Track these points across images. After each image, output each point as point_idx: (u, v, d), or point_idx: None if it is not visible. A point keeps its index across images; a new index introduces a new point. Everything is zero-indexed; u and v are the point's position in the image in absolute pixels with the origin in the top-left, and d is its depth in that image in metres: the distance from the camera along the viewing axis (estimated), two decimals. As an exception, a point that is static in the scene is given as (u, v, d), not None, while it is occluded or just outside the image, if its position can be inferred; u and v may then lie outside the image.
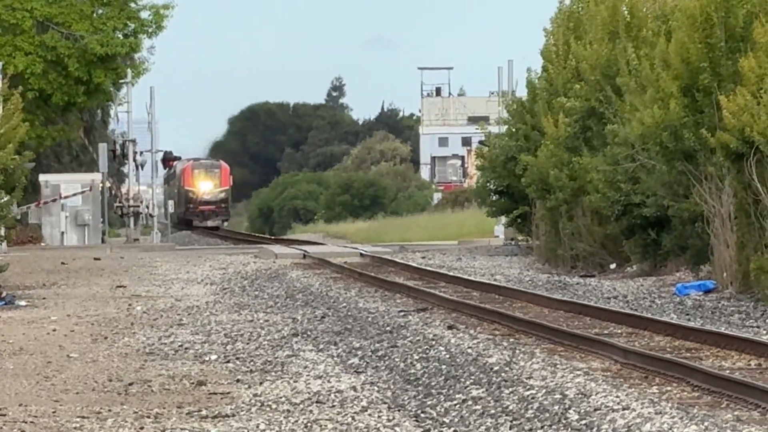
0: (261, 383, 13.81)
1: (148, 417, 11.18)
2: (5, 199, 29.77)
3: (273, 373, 14.85)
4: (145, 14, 54.64)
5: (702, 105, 24.99)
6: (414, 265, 36.46)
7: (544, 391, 11.70)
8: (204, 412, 11.53)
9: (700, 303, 22.99)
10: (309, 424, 10.73)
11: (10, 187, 29.78)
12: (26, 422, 10.88)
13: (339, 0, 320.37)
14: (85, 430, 10.64)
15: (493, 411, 10.79)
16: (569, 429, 9.74)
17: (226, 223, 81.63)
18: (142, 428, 10.61)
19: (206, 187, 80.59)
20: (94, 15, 53.64)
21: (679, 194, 27.04)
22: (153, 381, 14.18)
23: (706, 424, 8.69)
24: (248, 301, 26.89)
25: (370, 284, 29.76)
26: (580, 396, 11.13)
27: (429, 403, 11.84)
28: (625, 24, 33.29)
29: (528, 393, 11.69)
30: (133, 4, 54.61)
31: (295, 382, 13.90)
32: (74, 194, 54.11)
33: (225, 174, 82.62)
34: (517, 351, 15.24)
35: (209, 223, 77.45)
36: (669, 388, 11.75)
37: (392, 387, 13.29)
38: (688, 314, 20.81)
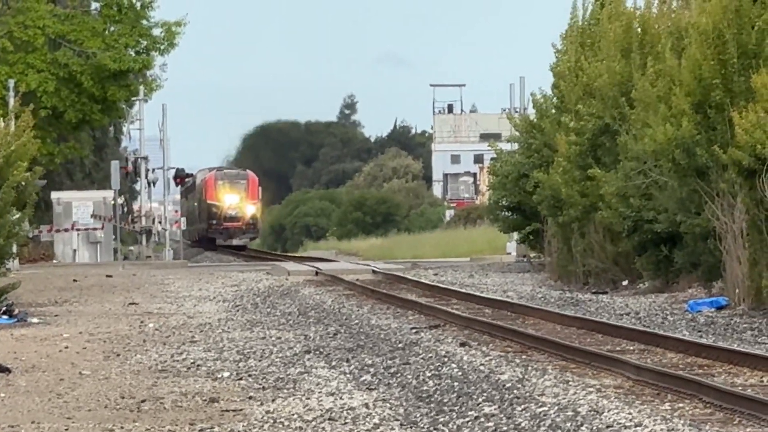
0: (273, 400, 13.90)
1: None
2: (17, 216, 29.79)
3: (285, 390, 14.93)
4: (156, 31, 54.79)
5: (714, 122, 25.26)
6: (426, 282, 36.87)
7: (556, 408, 11.77)
8: (216, 429, 11.65)
9: (713, 320, 23.22)
10: None
11: (21, 204, 29.78)
12: None
13: (351, 17, 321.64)
14: None
15: (505, 428, 10.87)
16: None
17: (248, 240, 72.82)
18: None
19: (232, 200, 69.78)
20: (106, 32, 54.02)
21: (691, 211, 27.32)
22: (165, 398, 14.29)
23: None
24: (261, 318, 27.20)
25: (382, 301, 30.07)
26: (592, 413, 11.24)
27: (441, 420, 11.87)
28: (638, 40, 33.31)
29: (540, 410, 11.75)
30: (144, 22, 54.88)
31: (307, 399, 13.98)
32: (88, 228, 54.54)
33: (253, 185, 72.11)
34: (530, 368, 15.40)
35: (235, 242, 68.69)
36: (681, 405, 11.84)
37: (404, 404, 13.36)
38: (700, 331, 21.05)
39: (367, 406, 13.24)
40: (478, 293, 31.84)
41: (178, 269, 50.67)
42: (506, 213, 46.93)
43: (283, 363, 17.85)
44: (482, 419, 11.46)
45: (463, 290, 32.85)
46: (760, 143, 21.79)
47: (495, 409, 12.11)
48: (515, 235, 48.52)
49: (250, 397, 14.24)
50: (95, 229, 54.34)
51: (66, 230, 53.90)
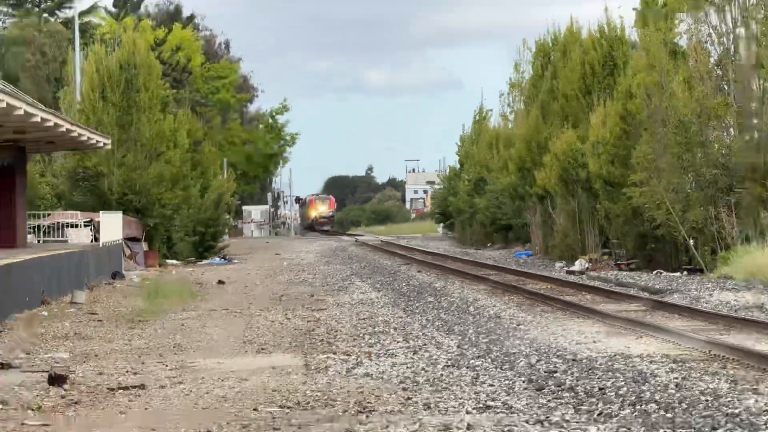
0: (337, 295, 27.13)
1: (289, 310, 23.05)
2: (229, 217, 61.75)
3: (342, 292, 28.20)
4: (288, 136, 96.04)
5: (527, 176, 46.12)
6: (402, 244, 62.96)
7: (458, 298, 25.06)
8: (313, 307, 23.65)
9: (526, 261, 45.15)
10: (357, 313, 21.83)
11: (231, 211, 62.72)
12: (235, 312, 22.93)
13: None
14: (261, 315, 21.80)
15: (437, 306, 23.37)
16: (468, 314, 21.22)
17: (329, 228, 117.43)
18: (286, 314, 21.88)
19: (322, 209, 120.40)
20: (267, 137, 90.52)
21: (518, 215, 52.54)
22: (291, 295, 27.42)
23: (529, 311, 21.47)
24: (332, 260, 47.59)
25: (384, 252, 53.23)
26: (474, 300, 24.48)
27: (410, 304, 24.24)
28: (494, 142, 58.16)
29: (451, 299, 25.00)
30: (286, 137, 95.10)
31: (351, 295, 27.00)
32: (258, 222, 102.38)
33: (332, 202, 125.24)
34: (447, 281, 30.44)
35: (323, 228, 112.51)
36: (513, 297, 25.17)
37: (394, 297, 26.26)
38: (521, 265, 41.08)
39: (378, 298, 25.89)
40: (425, 249, 54.97)
41: (296, 239, 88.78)
42: (437, 215, 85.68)
43: (342, 279, 33.41)
44: (428, 302, 24.44)
45: (418, 248, 55.67)
46: (545, 186, 41.94)
47: (433, 299, 25.10)
48: (441, 225, 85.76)
49: (327, 294, 27.56)
50: (261, 222, 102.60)
51: (248, 222, 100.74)
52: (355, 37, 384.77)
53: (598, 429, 9.79)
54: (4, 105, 21.34)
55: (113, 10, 76.55)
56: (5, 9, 71.24)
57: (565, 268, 35.90)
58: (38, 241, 34.04)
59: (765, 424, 9.74)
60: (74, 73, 44.13)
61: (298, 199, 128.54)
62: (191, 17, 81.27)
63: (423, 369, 14.03)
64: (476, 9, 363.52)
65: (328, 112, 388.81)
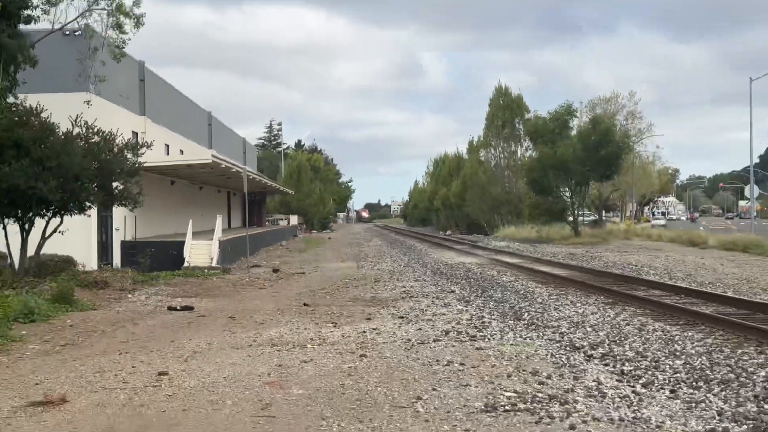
0: (367, 245, 63.64)
1: (353, 244, 64.15)
2: (332, 216, 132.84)
3: (368, 241, 70.61)
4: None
5: (432, 203, 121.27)
6: (391, 226, 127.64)
7: (408, 245, 64.96)
8: (361, 246, 60.81)
9: (431, 232, 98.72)
10: (374, 249, 55.01)
11: (332, 214, 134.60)
12: (333, 248, 57.50)
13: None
14: (343, 249, 55.48)
15: (401, 247, 52.30)
16: (410, 248, 57.00)
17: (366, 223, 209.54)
18: (351, 247, 58.51)
19: (363, 214, 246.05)
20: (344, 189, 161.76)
21: (428, 216, 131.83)
22: (353, 241, 72.14)
23: (431, 247, 53.20)
24: (366, 231, 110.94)
25: (384, 229, 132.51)
26: (412, 245, 62.76)
27: (392, 247, 52.05)
28: (421, 191, 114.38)
29: (406, 245, 61.29)
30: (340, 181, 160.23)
31: (370, 243, 67.15)
32: (342, 218, 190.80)
33: (367, 211, 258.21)
34: (406, 239, 79.38)
35: (364, 220, 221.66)
36: (425, 243, 65.77)
37: (388, 244, 55.01)
38: (428, 233, 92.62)
39: (381, 244, 64.73)
40: (397, 229, 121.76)
41: (356, 224, 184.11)
42: (402, 216, 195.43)
43: (368, 235, 67.99)
44: (399, 246, 50.03)
45: (395, 228, 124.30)
46: (437, 206, 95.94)
47: (399, 245, 51.85)
48: (403, 220, 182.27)
49: (365, 240, 72.77)
50: (343, 218, 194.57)
51: (335, 222, 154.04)
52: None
53: (453, 284, 28.19)
54: (266, 182, 57.95)
55: (293, 146, 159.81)
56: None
57: (443, 234, 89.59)
58: (268, 224, 78.02)
59: (509, 283, 28.31)
60: (281, 169, 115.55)
61: (356, 211, 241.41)
62: (317, 148, 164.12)
63: (396, 268, 34.80)
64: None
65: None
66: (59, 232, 26.28)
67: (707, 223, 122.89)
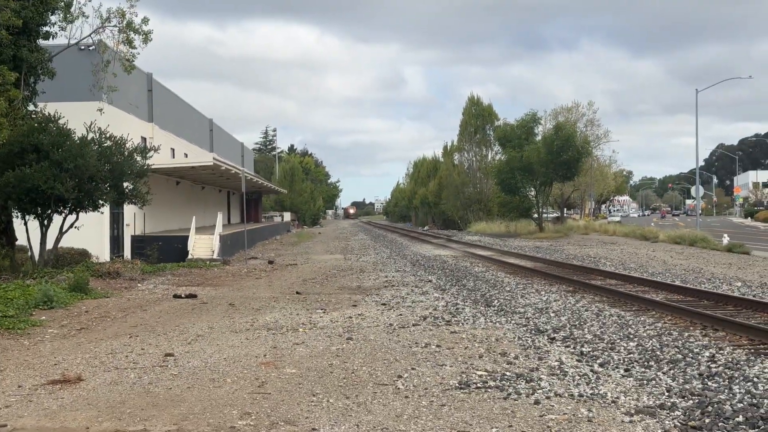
0: (352, 239, 62.82)
1: (339, 239, 63.04)
2: (321, 213, 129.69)
3: (354, 235, 69.29)
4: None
5: (411, 201, 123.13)
6: (373, 222, 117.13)
7: (390, 238, 51.10)
8: (348, 239, 62.04)
9: (410, 228, 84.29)
10: (358, 243, 54.71)
11: (322, 211, 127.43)
12: (323, 241, 58.97)
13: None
14: (331, 242, 57.13)
15: (383, 241, 48.61)
16: (392, 242, 48.27)
17: (353, 219, 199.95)
18: (338, 241, 59.11)
19: (350, 211, 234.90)
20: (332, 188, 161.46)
21: (408, 213, 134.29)
22: (340, 235, 69.07)
23: (410, 241, 55.73)
24: (352, 226, 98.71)
25: (368, 225, 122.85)
26: (393, 238, 63.09)
27: (376, 240, 48.83)
28: (401, 191, 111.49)
29: (387, 239, 51.93)
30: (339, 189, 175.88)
31: (356, 237, 58.82)
32: (330, 215, 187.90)
33: (354, 208, 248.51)
34: (387, 233, 66.52)
35: (351, 217, 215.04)
36: (405, 237, 64.76)
37: (372, 238, 50.58)
38: (409, 229, 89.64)
39: (366, 239, 58.33)
40: (379, 224, 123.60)
41: (343, 221, 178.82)
42: (384, 213, 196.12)
43: (353, 230, 63.06)
44: (382, 240, 46.31)
45: (378, 224, 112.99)
46: (416, 204, 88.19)
47: (382, 239, 47.62)
48: (385, 216, 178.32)
49: (352, 235, 71.41)
50: (332, 215, 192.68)
51: (325, 219, 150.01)
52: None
53: (430, 274, 28.27)
54: (262, 182, 56.09)
55: (287, 150, 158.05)
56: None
57: (421, 229, 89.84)
58: (264, 220, 79.37)
59: (480, 273, 28.62)
60: (276, 171, 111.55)
61: (344, 209, 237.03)
62: (308, 152, 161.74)
63: (379, 260, 34.64)
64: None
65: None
66: (75, 228, 26.33)
67: (657, 219, 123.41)
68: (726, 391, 9.43)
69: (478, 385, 9.69)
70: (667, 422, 8.07)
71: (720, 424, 7.99)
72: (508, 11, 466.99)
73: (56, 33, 27.00)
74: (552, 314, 16.52)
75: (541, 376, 10.23)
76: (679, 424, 7.98)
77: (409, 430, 7.73)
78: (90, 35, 27.73)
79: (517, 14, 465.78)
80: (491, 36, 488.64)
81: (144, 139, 39.64)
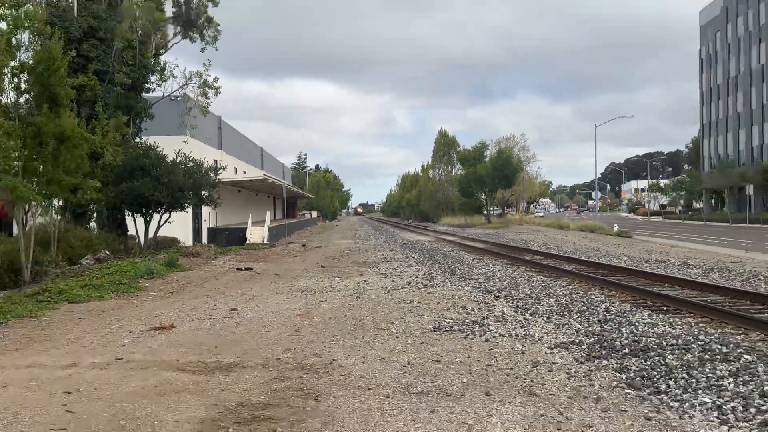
0: (359, 228, 50.76)
1: (351, 229, 58.40)
2: (338, 211, 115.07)
3: (359, 226, 65.06)
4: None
5: (400, 204, 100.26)
6: (375, 217, 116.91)
7: (384, 229, 48.73)
8: (356, 228, 59.85)
9: (400, 221, 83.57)
10: (364, 232, 49.69)
11: (338, 210, 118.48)
12: (339, 232, 51.93)
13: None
14: (344, 233, 50.25)
15: (379, 230, 45.55)
16: (384, 231, 44.02)
17: (360, 216, 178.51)
18: (351, 230, 54.78)
19: (359, 210, 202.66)
20: (346, 193, 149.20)
21: (399, 211, 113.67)
22: (352, 226, 61.39)
23: (399, 230, 45.83)
24: (361, 221, 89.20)
25: (372, 220, 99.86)
26: (386, 228, 61.53)
27: (376, 229, 45.64)
28: (393, 197, 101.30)
29: (382, 229, 48.54)
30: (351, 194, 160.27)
31: (362, 227, 50.69)
32: (344, 213, 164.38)
33: (362, 208, 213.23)
34: (383, 225, 58.65)
35: (359, 215, 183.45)
36: (396, 227, 62.76)
37: (373, 228, 46.15)
38: (399, 222, 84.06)
39: (368, 229, 46.49)
40: (379, 219, 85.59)
41: (353, 217, 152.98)
42: (381, 212, 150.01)
43: (359, 224, 64.43)
44: (380, 230, 43.17)
45: (378, 219, 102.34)
46: (383, 209, 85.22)
47: (381, 229, 45.33)
48: (382, 214, 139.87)
49: (359, 226, 69.67)
50: (345, 213, 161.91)
51: (341, 216, 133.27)
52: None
53: (413, 253, 27.98)
54: (297, 190, 56.56)
55: (314, 168, 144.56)
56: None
57: (407, 222, 76.39)
58: (298, 216, 73.90)
59: (447, 252, 28.77)
60: (306, 182, 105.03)
61: (353, 208, 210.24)
62: (329, 169, 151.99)
63: (378, 244, 34.20)
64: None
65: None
66: (168, 222, 26.25)
67: (569, 214, 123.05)
68: (617, 331, 9.36)
69: (447, 329, 9.57)
70: (576, 353, 8.02)
71: (613, 354, 7.94)
72: (467, 70, 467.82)
73: (154, 88, 26.93)
74: (497, 280, 16.31)
75: (490, 323, 10.10)
76: (584, 355, 7.94)
77: (399, 359, 7.71)
78: (177, 90, 27.61)
79: (473, 72, 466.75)
80: (456, 88, 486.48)
81: (215, 162, 39.37)
